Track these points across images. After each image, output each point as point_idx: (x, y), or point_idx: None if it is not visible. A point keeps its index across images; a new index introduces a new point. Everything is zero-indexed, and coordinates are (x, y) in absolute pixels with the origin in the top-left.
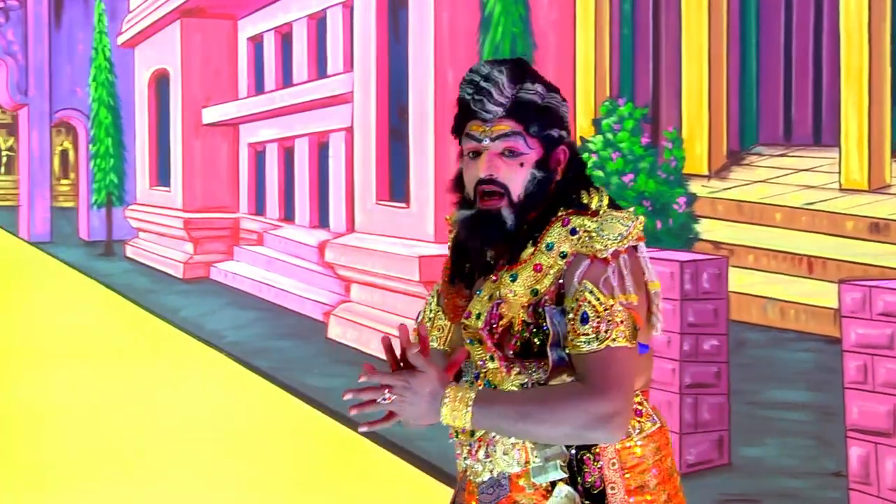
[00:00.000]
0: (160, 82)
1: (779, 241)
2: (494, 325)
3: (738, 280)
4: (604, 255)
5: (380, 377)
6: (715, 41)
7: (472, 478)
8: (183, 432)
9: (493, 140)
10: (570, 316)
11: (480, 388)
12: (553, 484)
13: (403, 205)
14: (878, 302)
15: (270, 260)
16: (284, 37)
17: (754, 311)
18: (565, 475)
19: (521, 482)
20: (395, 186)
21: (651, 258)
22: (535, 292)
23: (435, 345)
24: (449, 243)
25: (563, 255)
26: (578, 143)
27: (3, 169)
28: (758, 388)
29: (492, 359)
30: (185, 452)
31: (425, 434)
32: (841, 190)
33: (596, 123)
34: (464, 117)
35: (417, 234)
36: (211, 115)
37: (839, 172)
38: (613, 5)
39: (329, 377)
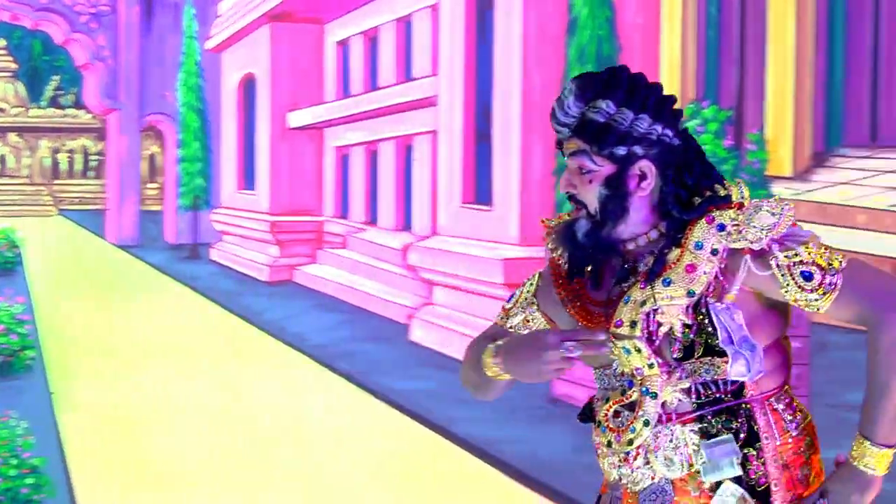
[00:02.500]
0: (247, 86)
1: (863, 244)
2: (653, 332)
3: None
4: (759, 247)
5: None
6: (801, 43)
7: (629, 486)
8: (265, 433)
9: (568, 157)
10: (792, 291)
11: (861, 437)
12: (717, 484)
13: (487, 207)
14: None
15: (354, 263)
16: (371, 40)
17: None
18: (740, 472)
19: (686, 486)
20: (480, 189)
21: None
22: (691, 294)
23: (522, 330)
24: (549, 245)
25: (715, 252)
26: None
27: (92, 173)
28: (839, 391)
29: (651, 366)
30: (267, 453)
31: (508, 437)
32: None
33: None
34: None
35: (501, 236)
36: (297, 118)
37: None
38: (699, 8)
39: (412, 380)
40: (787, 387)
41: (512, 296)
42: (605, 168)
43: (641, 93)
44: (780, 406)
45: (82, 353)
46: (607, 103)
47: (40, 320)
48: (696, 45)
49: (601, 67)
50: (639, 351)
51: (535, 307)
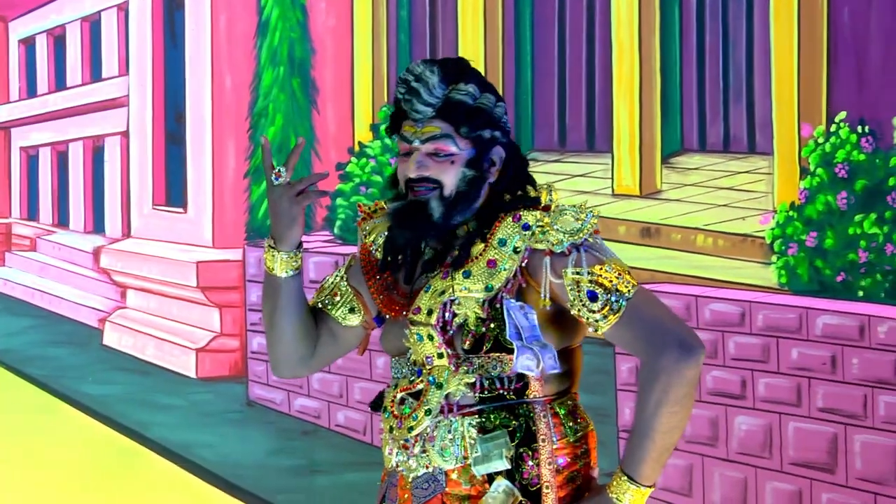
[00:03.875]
0: None
1: None
2: (448, 322)
3: None
4: (560, 250)
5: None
6: (491, 49)
7: (405, 473)
8: None
9: (423, 142)
10: (577, 306)
11: (622, 473)
12: (490, 479)
13: (181, 210)
14: None
15: (44, 266)
16: (57, 39)
17: None
18: (508, 466)
19: (457, 477)
20: (173, 191)
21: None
22: (489, 288)
23: (330, 308)
24: (365, 229)
25: (517, 251)
26: (357, 147)
27: None
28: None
29: (440, 355)
30: None
31: (203, 441)
32: (613, 195)
33: (374, 128)
34: (398, 117)
35: (195, 239)
36: None
37: (612, 178)
38: (390, 12)
39: (104, 384)
40: (572, 393)
41: (336, 271)
42: (467, 150)
43: (490, 83)
44: (563, 411)
45: None
46: (472, 86)
47: None
48: (387, 49)
49: (294, 70)
50: (431, 339)
51: (345, 282)
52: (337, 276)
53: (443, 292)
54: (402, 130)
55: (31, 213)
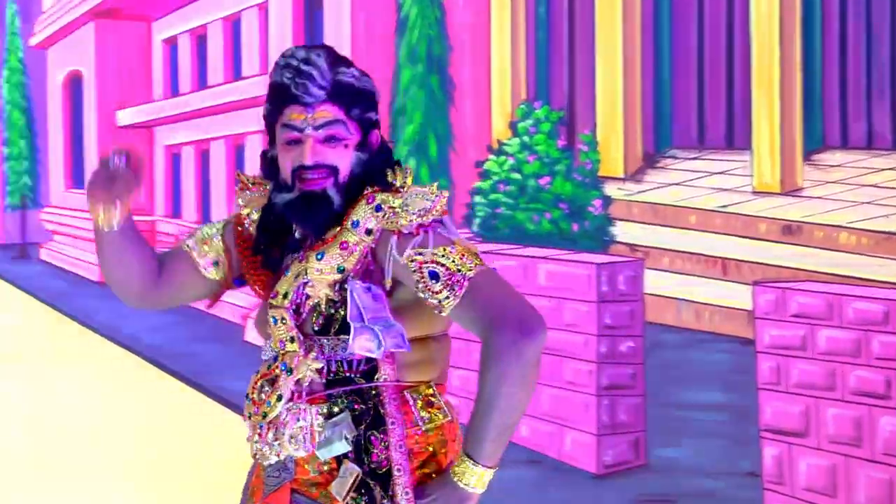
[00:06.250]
0: (74, 84)
1: (693, 244)
2: (301, 305)
3: (654, 282)
4: (408, 230)
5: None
6: (629, 45)
7: (260, 461)
8: (99, 436)
9: (315, 129)
10: (420, 287)
11: (464, 454)
12: (339, 464)
13: None
14: (791, 303)
15: None
16: (199, 39)
17: (669, 312)
18: (350, 448)
19: (307, 466)
20: None
21: (568, 260)
22: (341, 269)
23: (195, 255)
24: (241, 201)
25: (369, 232)
26: (495, 145)
27: None
28: (673, 390)
29: (291, 339)
30: (102, 457)
31: None
32: (754, 193)
33: (512, 126)
34: (280, 103)
35: None
36: (126, 117)
37: (752, 175)
38: (528, 9)
39: (247, 380)
40: (432, 385)
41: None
42: (355, 134)
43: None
44: (416, 400)
45: None
46: (354, 69)
47: None
48: (525, 46)
49: (433, 67)
50: (284, 322)
51: (220, 237)
52: (214, 228)
53: (298, 275)
54: (287, 119)
55: (175, 211)
